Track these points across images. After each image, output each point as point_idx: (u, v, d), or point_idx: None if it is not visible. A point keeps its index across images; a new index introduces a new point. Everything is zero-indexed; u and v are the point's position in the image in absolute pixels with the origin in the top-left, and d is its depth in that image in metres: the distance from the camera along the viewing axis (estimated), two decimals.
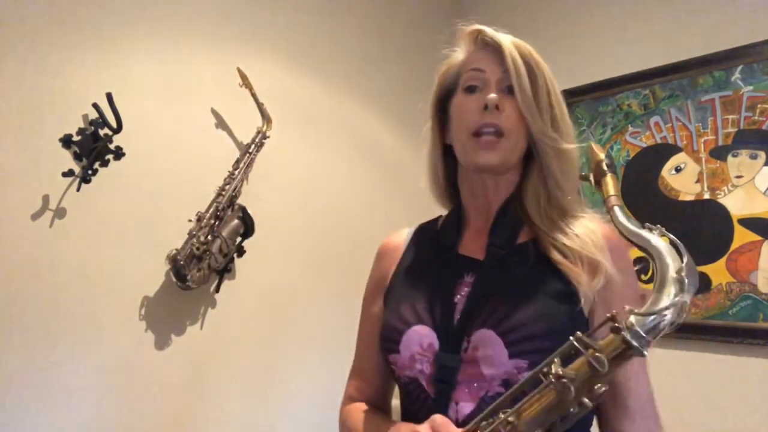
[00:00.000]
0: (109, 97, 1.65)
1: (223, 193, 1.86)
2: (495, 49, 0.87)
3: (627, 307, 0.63)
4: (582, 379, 0.60)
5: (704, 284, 1.86)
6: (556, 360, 0.63)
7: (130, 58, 1.78)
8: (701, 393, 1.85)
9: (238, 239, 1.91)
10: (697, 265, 2.02)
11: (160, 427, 1.80)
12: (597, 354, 0.60)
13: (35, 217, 1.62)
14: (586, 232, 0.84)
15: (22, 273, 1.59)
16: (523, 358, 0.75)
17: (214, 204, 1.84)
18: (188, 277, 1.76)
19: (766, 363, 1.74)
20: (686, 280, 0.62)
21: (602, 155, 0.83)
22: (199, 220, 1.81)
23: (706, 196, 1.89)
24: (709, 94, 1.91)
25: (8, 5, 1.58)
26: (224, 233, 1.84)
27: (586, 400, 0.60)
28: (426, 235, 0.98)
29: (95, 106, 1.64)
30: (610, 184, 0.79)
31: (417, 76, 2.55)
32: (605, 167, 0.81)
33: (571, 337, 0.64)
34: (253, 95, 1.93)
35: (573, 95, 2.28)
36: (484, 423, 0.68)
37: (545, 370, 0.64)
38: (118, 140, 1.73)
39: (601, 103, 2.19)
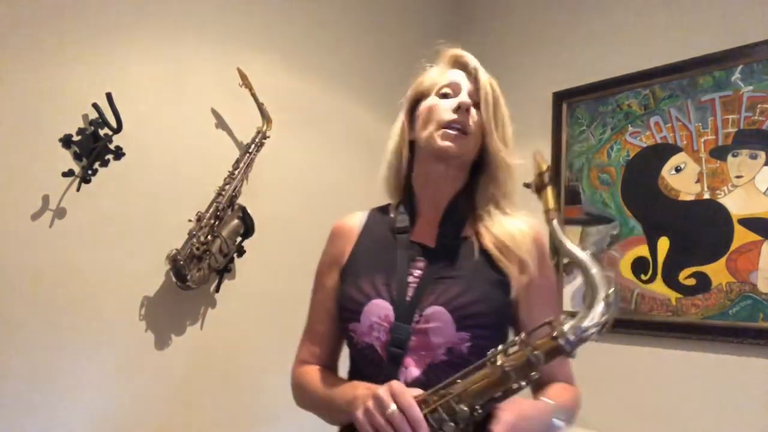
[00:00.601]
0: (109, 97, 1.65)
1: (223, 193, 1.86)
2: (469, 72, 1.05)
3: (563, 317, 0.77)
4: (521, 368, 0.76)
5: (704, 284, 1.87)
6: (501, 350, 0.78)
7: (130, 58, 1.78)
8: (701, 393, 1.85)
9: (238, 239, 1.91)
10: (697, 265, 2.02)
11: (159, 427, 1.80)
12: (535, 352, 0.75)
13: (35, 217, 1.62)
14: (521, 233, 0.99)
15: (22, 273, 1.59)
16: (467, 331, 0.91)
17: (214, 204, 1.84)
18: (188, 277, 1.76)
19: (766, 363, 1.74)
20: (612, 306, 0.74)
21: (545, 166, 0.91)
22: (199, 220, 1.81)
23: (706, 196, 1.89)
24: (709, 94, 1.91)
25: (8, 6, 1.58)
26: (224, 233, 1.84)
27: (523, 383, 0.76)
28: (380, 220, 1.09)
29: (95, 106, 1.65)
30: (550, 197, 0.86)
31: (417, 76, 2.55)
32: (546, 179, 0.88)
33: (516, 338, 0.79)
34: (253, 95, 1.93)
35: (573, 95, 2.28)
36: (436, 396, 0.80)
37: (493, 360, 0.78)
38: (118, 140, 1.73)
39: (601, 103, 2.19)
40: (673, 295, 1.93)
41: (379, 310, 0.93)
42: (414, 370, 0.90)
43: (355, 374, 0.99)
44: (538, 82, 2.42)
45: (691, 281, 1.89)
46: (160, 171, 1.83)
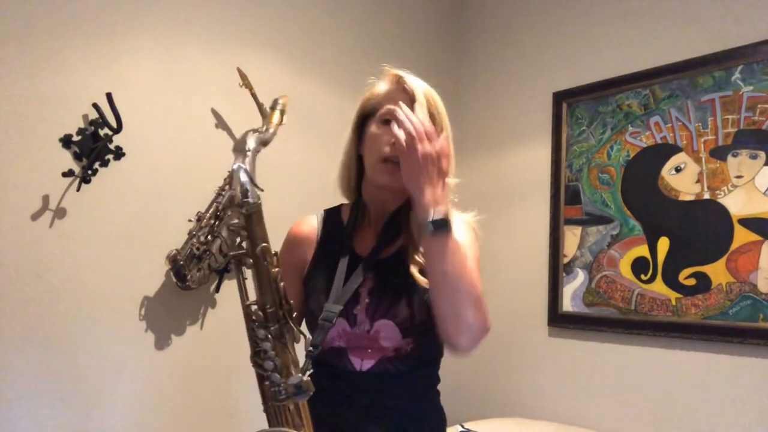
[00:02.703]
0: (109, 97, 1.65)
1: (223, 193, 1.86)
2: (411, 94, 1.09)
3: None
4: None
5: (704, 284, 1.87)
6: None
7: (130, 58, 1.78)
8: (701, 393, 1.85)
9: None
10: (697, 265, 2.03)
11: (159, 427, 1.80)
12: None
13: (35, 217, 1.62)
14: None
15: (22, 273, 1.59)
16: (411, 337, 1.08)
17: (214, 204, 1.84)
18: (188, 277, 1.76)
19: (766, 363, 1.74)
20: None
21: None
22: (199, 220, 1.81)
23: (706, 196, 1.89)
24: (709, 94, 1.91)
25: (8, 5, 1.58)
26: (224, 233, 1.84)
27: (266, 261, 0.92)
28: (333, 229, 1.20)
29: (95, 106, 1.64)
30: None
31: (417, 76, 2.55)
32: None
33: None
34: (253, 95, 1.93)
35: (573, 95, 2.28)
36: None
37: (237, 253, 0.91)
38: (118, 140, 1.73)
39: (601, 103, 2.19)
40: (673, 295, 1.93)
41: (339, 325, 1.09)
42: (368, 362, 1.08)
43: (321, 361, 1.13)
44: (538, 82, 2.42)
45: (691, 281, 1.89)
46: (160, 171, 1.83)
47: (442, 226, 0.96)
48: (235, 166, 0.86)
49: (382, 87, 1.15)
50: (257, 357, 0.94)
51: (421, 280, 1.07)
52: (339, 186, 1.24)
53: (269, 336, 0.89)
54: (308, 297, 1.15)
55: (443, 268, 0.98)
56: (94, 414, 1.69)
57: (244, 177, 0.84)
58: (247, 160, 0.87)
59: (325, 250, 1.18)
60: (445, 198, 0.98)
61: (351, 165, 1.19)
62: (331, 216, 1.24)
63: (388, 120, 1.09)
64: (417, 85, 1.11)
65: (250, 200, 0.84)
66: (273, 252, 0.91)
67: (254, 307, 0.91)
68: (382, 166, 1.08)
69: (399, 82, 1.13)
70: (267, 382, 0.92)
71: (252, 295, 1.00)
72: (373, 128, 1.12)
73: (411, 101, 1.08)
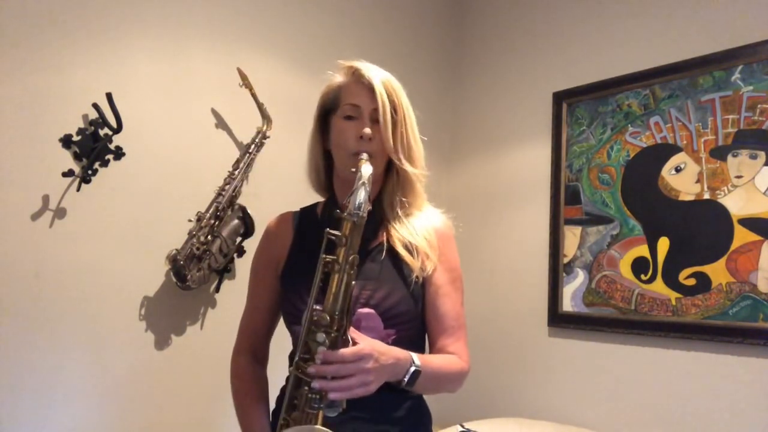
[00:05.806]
0: (109, 97, 1.65)
1: (223, 193, 1.86)
2: (368, 85, 1.11)
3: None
4: (345, 260, 0.93)
5: (704, 284, 1.87)
6: (328, 260, 0.95)
7: (130, 58, 1.78)
8: (701, 393, 1.85)
9: (238, 239, 1.91)
10: (697, 265, 2.02)
11: (160, 428, 1.80)
12: (344, 236, 0.94)
13: (35, 217, 1.62)
14: (425, 231, 1.14)
15: (23, 273, 1.59)
16: (393, 328, 1.08)
17: (214, 204, 1.84)
18: (188, 277, 1.77)
19: (766, 363, 1.74)
20: (367, 186, 0.97)
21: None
22: (199, 220, 1.81)
23: (706, 196, 1.89)
24: (709, 94, 1.91)
25: (9, 5, 1.58)
26: (224, 233, 1.85)
27: (353, 272, 0.94)
28: (310, 223, 1.21)
29: (95, 106, 1.65)
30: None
31: (417, 76, 2.55)
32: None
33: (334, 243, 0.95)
34: (253, 95, 1.93)
35: (573, 95, 2.28)
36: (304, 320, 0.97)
37: (326, 269, 0.95)
38: (118, 140, 1.73)
39: (601, 103, 2.19)
40: (673, 295, 1.93)
41: None
42: None
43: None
44: (538, 82, 2.42)
45: (691, 281, 1.89)
46: (160, 171, 1.83)
47: (414, 377, 0.99)
48: (365, 179, 0.95)
49: (339, 80, 1.17)
50: (302, 362, 0.95)
51: (410, 261, 1.09)
52: (310, 183, 1.24)
53: (326, 341, 0.91)
54: (288, 293, 1.15)
55: (427, 390, 1.08)
56: (94, 414, 1.69)
57: (364, 194, 0.94)
58: (367, 182, 0.95)
59: (303, 246, 1.18)
60: (392, 358, 0.96)
61: (318, 161, 1.20)
62: (307, 213, 1.25)
63: (350, 116, 1.11)
64: (374, 74, 1.12)
65: (361, 213, 0.93)
66: (356, 263, 0.95)
67: (320, 311, 0.92)
68: (354, 160, 1.08)
69: (355, 74, 1.14)
70: (306, 388, 0.93)
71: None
72: (337, 123, 1.13)
73: (368, 91, 1.10)
